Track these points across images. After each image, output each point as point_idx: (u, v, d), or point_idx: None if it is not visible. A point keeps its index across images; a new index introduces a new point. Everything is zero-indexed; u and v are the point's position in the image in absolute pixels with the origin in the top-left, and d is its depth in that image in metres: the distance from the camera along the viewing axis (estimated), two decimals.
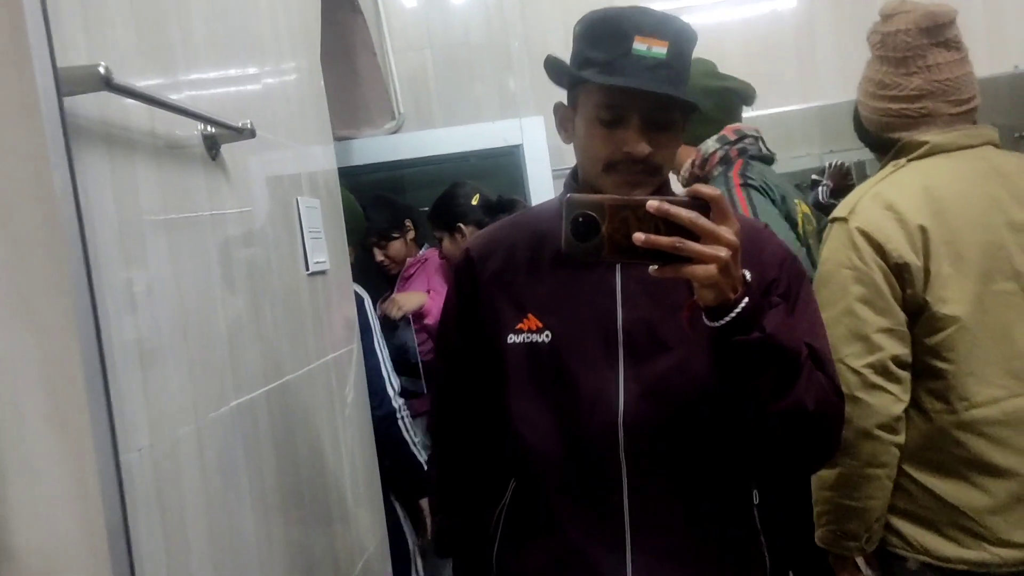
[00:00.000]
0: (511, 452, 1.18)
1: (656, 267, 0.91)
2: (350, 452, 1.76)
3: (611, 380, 1.10)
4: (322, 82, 1.97)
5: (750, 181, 1.97)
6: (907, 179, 1.42)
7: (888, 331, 1.34)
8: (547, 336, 1.12)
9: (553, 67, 1.16)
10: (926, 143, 1.44)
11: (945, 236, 1.35)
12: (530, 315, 1.14)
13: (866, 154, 3.35)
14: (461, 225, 2.51)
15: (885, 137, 1.48)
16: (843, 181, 2.74)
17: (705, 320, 0.95)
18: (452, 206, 2.56)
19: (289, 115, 1.68)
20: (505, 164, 3.08)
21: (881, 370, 1.33)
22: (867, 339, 1.33)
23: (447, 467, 1.33)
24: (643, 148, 1.05)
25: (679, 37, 1.07)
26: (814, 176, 2.84)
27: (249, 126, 1.27)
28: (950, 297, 1.33)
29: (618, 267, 1.11)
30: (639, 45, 1.04)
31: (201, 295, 1.16)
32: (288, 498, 1.38)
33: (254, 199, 1.41)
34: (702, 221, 0.89)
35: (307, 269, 1.62)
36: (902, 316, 1.35)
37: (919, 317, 1.35)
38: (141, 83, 1.05)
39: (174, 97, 1.15)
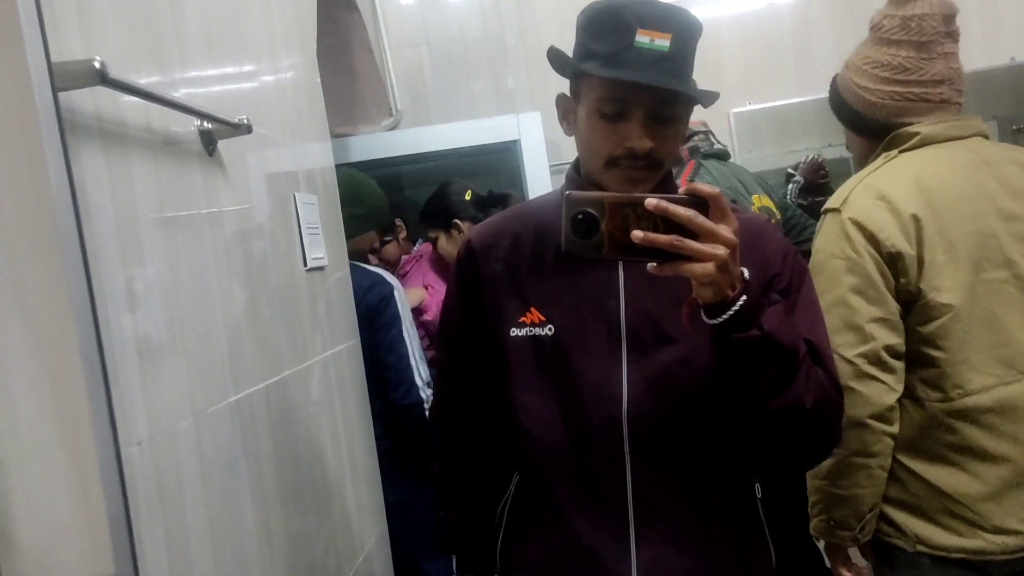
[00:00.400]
0: (515, 445, 1.18)
1: (655, 265, 0.92)
2: (350, 448, 1.77)
3: (615, 372, 1.10)
4: (318, 78, 1.97)
5: None
6: (899, 170, 1.43)
7: (881, 321, 1.34)
8: (550, 329, 1.12)
9: (555, 59, 1.16)
10: (917, 134, 1.45)
11: (937, 225, 1.35)
12: (533, 308, 1.14)
13: None
14: (457, 222, 2.51)
15: (893, 122, 1.46)
16: (816, 177, 2.73)
17: (704, 317, 0.95)
18: (446, 204, 2.56)
19: (285, 111, 1.69)
20: (502, 160, 3.08)
21: (874, 360, 1.33)
22: (860, 329, 1.34)
23: (450, 461, 1.33)
24: (645, 143, 1.05)
25: (683, 29, 1.06)
26: (789, 170, 2.82)
27: (246, 121, 1.27)
28: (944, 286, 1.33)
29: (620, 261, 1.12)
30: (642, 38, 1.03)
31: (199, 291, 1.16)
32: (287, 493, 1.38)
33: (251, 195, 1.41)
34: (700, 219, 0.90)
35: (305, 265, 1.63)
36: (895, 306, 1.35)
37: (912, 306, 1.35)
38: (136, 79, 1.05)
39: (170, 93, 1.15)
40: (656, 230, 0.89)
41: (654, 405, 1.09)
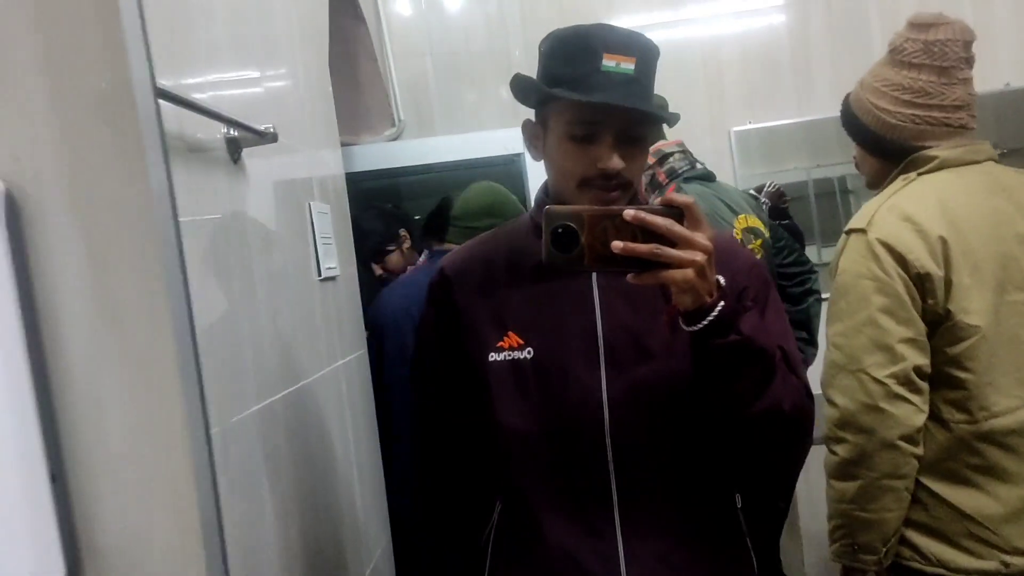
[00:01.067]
0: (498, 469, 1.19)
1: (634, 275, 0.94)
2: (358, 458, 1.76)
3: (595, 390, 1.11)
4: (330, 87, 1.97)
5: None
6: (921, 192, 1.44)
7: (911, 341, 1.34)
8: (529, 352, 1.13)
9: (520, 85, 1.17)
10: (936, 158, 1.46)
11: (963, 247, 1.36)
12: (511, 332, 1.14)
13: (852, 168, 3.40)
14: None
15: (911, 145, 1.47)
16: (778, 202, 2.76)
17: (682, 325, 0.97)
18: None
19: (301, 119, 1.68)
20: (506, 173, 3.08)
21: (904, 380, 1.33)
22: (890, 349, 1.33)
23: (436, 494, 1.32)
24: (616, 163, 1.07)
25: (645, 53, 1.09)
26: (751, 192, 2.85)
27: (272, 130, 1.27)
28: (971, 307, 1.34)
29: (594, 278, 1.13)
30: (608, 62, 1.06)
31: (224, 299, 1.15)
32: (304, 501, 1.37)
33: (271, 204, 1.41)
34: (677, 228, 0.92)
35: (319, 275, 1.62)
36: (923, 327, 1.35)
37: (939, 327, 1.36)
38: (166, 85, 1.04)
39: (196, 97, 1.14)
40: (635, 241, 0.92)
41: (635, 419, 1.10)
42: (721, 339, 0.96)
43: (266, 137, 1.26)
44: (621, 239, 0.92)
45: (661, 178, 2.06)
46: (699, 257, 0.92)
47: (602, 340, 1.11)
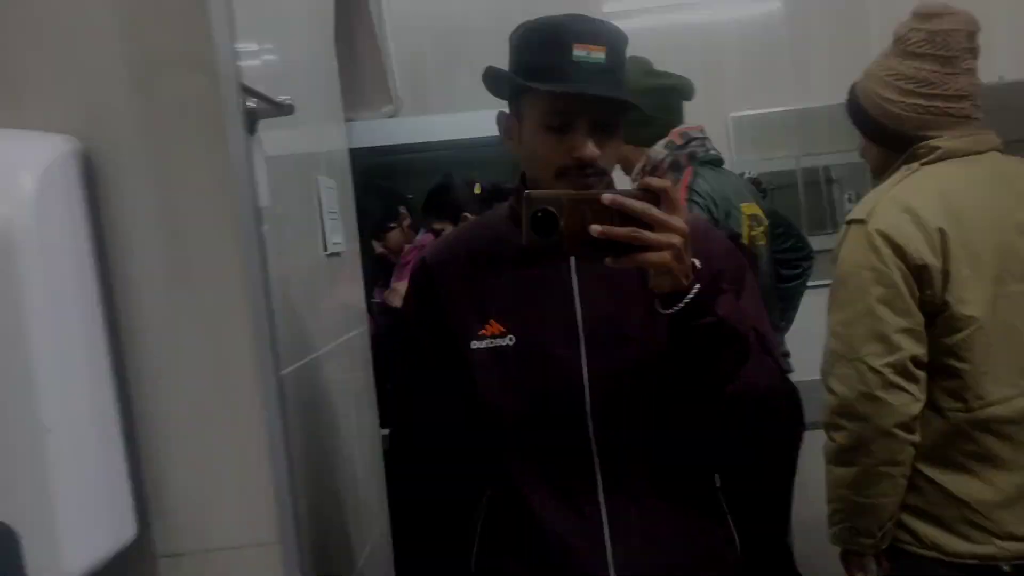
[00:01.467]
0: (487, 453, 1.20)
1: (612, 258, 0.96)
2: (360, 437, 1.76)
3: (576, 376, 1.13)
4: (335, 60, 1.95)
5: (695, 198, 1.99)
6: (922, 183, 1.46)
7: (907, 331, 1.37)
8: (511, 340, 1.15)
9: (492, 79, 1.18)
10: (939, 148, 1.48)
11: (962, 238, 1.39)
12: (492, 321, 1.16)
13: (839, 159, 3.42)
14: (467, 215, 2.49)
15: (915, 135, 1.49)
16: None
17: (659, 308, 1.00)
18: (453, 197, 2.56)
19: (309, 93, 1.67)
20: (503, 153, 3.06)
21: (901, 370, 1.36)
22: (887, 339, 1.36)
23: (426, 475, 1.31)
24: (592, 151, 1.08)
25: (614, 41, 1.11)
26: None
27: (289, 101, 1.25)
28: (969, 298, 1.37)
29: (573, 265, 1.15)
30: (579, 51, 1.07)
31: None
32: (309, 475, 1.37)
33: (283, 177, 1.40)
34: (654, 211, 0.95)
35: (326, 250, 1.61)
36: (920, 317, 1.38)
37: (936, 318, 1.39)
38: None
39: None
40: (612, 224, 0.94)
41: (616, 402, 1.12)
42: (697, 321, 0.99)
43: (283, 109, 1.25)
44: (599, 223, 0.94)
45: (683, 160, 2.09)
46: (676, 240, 0.94)
47: (582, 326, 1.13)
